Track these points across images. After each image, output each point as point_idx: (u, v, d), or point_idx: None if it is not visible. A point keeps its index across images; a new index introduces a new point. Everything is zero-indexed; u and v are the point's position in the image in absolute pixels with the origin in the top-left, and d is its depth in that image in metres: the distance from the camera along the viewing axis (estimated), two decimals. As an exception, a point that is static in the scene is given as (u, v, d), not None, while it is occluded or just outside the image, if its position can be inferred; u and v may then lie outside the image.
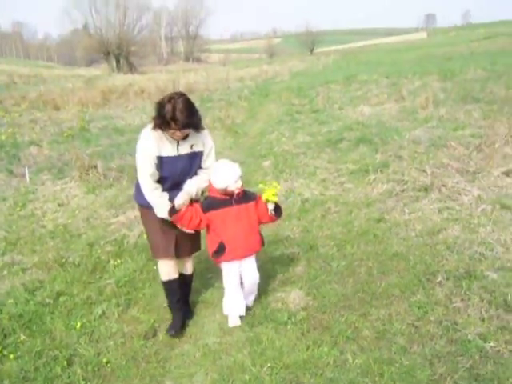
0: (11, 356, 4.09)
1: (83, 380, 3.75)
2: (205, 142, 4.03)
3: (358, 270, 4.96)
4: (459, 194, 6.17)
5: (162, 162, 3.86)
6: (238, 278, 4.18)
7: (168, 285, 4.31)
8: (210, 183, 4.04)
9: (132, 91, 26.57)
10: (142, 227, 6.05)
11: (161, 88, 25.63)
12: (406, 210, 6.09)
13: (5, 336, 4.43)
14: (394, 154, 8.12)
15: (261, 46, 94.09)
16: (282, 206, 4.25)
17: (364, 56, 40.80)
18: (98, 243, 6.24)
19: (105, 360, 3.95)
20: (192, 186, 3.98)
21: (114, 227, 6.61)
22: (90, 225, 6.90)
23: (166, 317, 4.44)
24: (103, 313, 4.65)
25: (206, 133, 4.05)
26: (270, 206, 4.06)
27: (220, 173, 3.96)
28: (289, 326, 4.08)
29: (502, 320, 3.88)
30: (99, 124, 15.50)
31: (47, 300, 4.99)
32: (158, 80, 33.47)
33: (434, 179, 6.55)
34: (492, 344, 3.61)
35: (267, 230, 5.33)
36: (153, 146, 3.80)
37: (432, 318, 4.01)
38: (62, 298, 5.04)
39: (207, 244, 4.19)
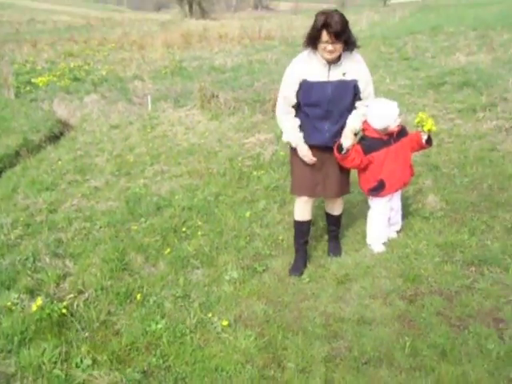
0: (198, 233, 5.13)
1: (265, 251, 4.75)
2: (360, 70, 3.88)
3: (480, 185, 5.77)
4: None
5: (310, 87, 3.79)
6: (389, 211, 4.49)
7: (299, 225, 4.38)
8: (365, 122, 4.08)
9: (211, 36, 27.31)
10: (275, 147, 7.07)
11: (239, 33, 26.36)
12: (518, 142, 6.81)
13: (184, 221, 5.47)
14: (500, 96, 8.77)
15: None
16: None
17: (444, 9, 40.00)
18: (236, 159, 7.23)
19: (280, 237, 4.95)
20: (356, 122, 3.96)
21: (248, 146, 7.60)
22: (224, 144, 7.91)
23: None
24: (264, 207, 5.63)
25: (360, 60, 3.91)
26: (425, 136, 4.14)
27: (380, 113, 3.99)
28: (431, 220, 4.99)
29: None
30: (192, 64, 16.45)
31: (208, 198, 6.04)
32: (231, 26, 34.02)
33: (543, 117, 7.22)
34: None
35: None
36: (300, 68, 3.83)
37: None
38: (221, 197, 6.06)
39: (360, 182, 4.44)
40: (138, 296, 4.12)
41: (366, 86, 3.93)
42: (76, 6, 64.21)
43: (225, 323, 3.72)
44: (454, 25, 21.12)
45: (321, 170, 4.10)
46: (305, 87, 3.83)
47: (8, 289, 4.41)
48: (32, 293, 4.30)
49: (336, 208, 4.50)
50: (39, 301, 3.95)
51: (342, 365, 3.30)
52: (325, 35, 3.59)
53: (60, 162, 7.73)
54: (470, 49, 15.08)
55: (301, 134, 3.99)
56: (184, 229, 5.24)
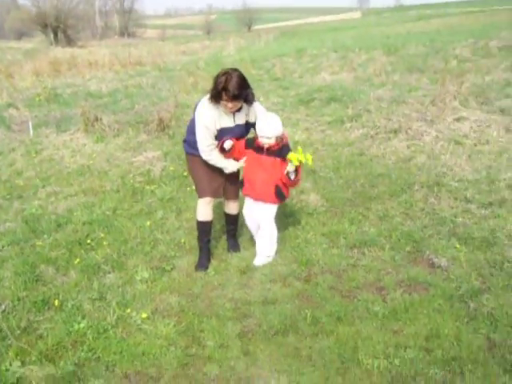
0: (104, 243, 5.45)
1: (170, 253, 5.18)
2: (256, 110, 4.57)
3: (354, 184, 6.60)
4: (422, 134, 7.95)
5: (221, 132, 4.43)
6: (250, 212, 4.83)
7: (202, 225, 4.81)
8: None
9: (80, 63, 27.04)
10: (163, 163, 7.53)
11: (110, 60, 26.40)
12: (381, 147, 7.81)
13: (87, 235, 5.76)
14: (363, 108, 9.84)
15: (196, 23, 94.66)
16: None
17: (304, 34, 42.52)
18: (128, 176, 7.58)
19: (182, 241, 5.40)
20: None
21: (137, 164, 7.96)
22: (113, 164, 8.21)
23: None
24: (162, 217, 6.06)
25: (257, 105, 4.57)
26: (289, 168, 4.38)
27: (259, 122, 4.43)
28: (315, 215, 5.69)
29: (464, 207, 5.64)
30: (66, 90, 16.40)
31: (107, 212, 6.35)
32: (100, 53, 33.88)
33: (401, 124, 8.29)
34: (460, 219, 5.34)
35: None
36: (212, 121, 4.36)
37: (416, 209, 5.73)
38: (118, 211, 6.39)
39: None
40: (56, 302, 4.38)
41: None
42: None
43: (144, 315, 4.10)
44: (316, 48, 22.71)
45: (221, 175, 4.69)
46: (219, 131, 4.46)
47: None
48: None
49: (234, 208, 5.05)
50: (-44, 315, 4.08)
51: (255, 338, 3.80)
52: (224, 96, 4.17)
53: None
54: (333, 69, 16.43)
55: (229, 160, 4.65)
56: (88, 241, 5.51)
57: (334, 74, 15.29)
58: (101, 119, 9.49)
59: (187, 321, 4.04)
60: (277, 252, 4.92)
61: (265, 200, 4.61)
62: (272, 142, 4.38)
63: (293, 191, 6.39)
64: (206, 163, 4.59)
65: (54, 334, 3.96)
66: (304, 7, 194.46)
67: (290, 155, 4.31)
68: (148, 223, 5.82)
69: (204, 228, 4.86)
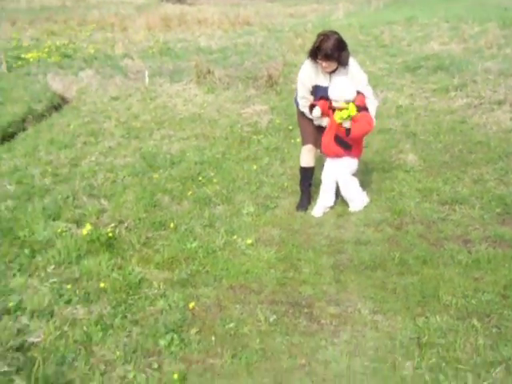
0: (213, 180, 6.03)
1: (273, 193, 5.67)
2: (354, 75, 4.80)
3: (452, 149, 6.80)
4: (529, 108, 7.93)
5: (316, 89, 4.84)
6: (328, 172, 5.17)
7: (304, 171, 5.30)
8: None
9: (190, 20, 27.89)
10: (270, 116, 8.00)
11: (219, 19, 27.09)
12: (484, 117, 7.89)
13: (198, 173, 6.35)
14: (470, 78, 9.85)
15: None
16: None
17: (416, 2, 41.28)
18: (236, 126, 8.13)
19: (285, 185, 5.89)
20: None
21: (245, 116, 8.50)
22: (222, 114, 8.79)
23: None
24: (268, 163, 6.56)
25: (355, 68, 4.82)
26: (345, 124, 4.68)
27: (330, 86, 4.77)
28: (411, 173, 6.00)
29: None
30: (177, 45, 17.18)
31: (216, 155, 6.93)
32: (209, 12, 34.59)
33: (507, 96, 8.31)
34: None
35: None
36: (307, 77, 4.84)
37: (511, 176, 5.86)
38: (227, 155, 6.95)
39: None
40: (171, 224, 5.00)
41: (358, 84, 4.81)
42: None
43: (249, 242, 4.64)
44: (427, 17, 22.24)
45: (319, 131, 5.15)
46: (314, 88, 4.89)
47: (54, 220, 5.22)
48: (77, 223, 5.13)
49: None
50: (88, 226, 4.80)
51: (346, 270, 4.25)
52: (318, 55, 4.57)
53: (71, 127, 8.49)
54: (443, 39, 16.17)
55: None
56: (200, 178, 6.11)
57: (443, 44, 15.08)
58: (212, 72, 10.07)
59: (286, 250, 4.53)
60: (372, 201, 5.29)
61: (335, 154, 4.94)
62: (338, 104, 4.68)
63: (392, 150, 6.72)
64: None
65: (169, 250, 4.58)
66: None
67: (335, 114, 4.62)
68: (254, 167, 6.33)
69: (306, 173, 5.33)
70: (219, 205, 5.41)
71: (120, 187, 5.90)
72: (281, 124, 7.95)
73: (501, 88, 9.00)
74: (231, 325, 3.54)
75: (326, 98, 4.81)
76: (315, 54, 4.60)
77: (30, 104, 10.12)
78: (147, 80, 10.93)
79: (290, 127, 7.80)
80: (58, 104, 11.09)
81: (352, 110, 4.54)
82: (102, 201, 5.56)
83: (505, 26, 17.56)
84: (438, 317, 3.53)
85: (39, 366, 3.16)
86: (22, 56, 15.47)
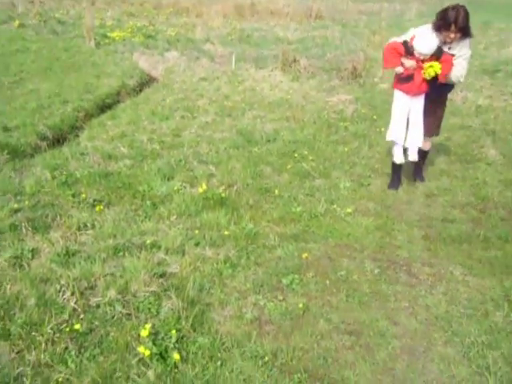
0: (309, 158, 6.66)
1: (366, 173, 6.27)
2: (462, 48, 5.20)
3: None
4: None
5: None
6: (405, 109, 5.48)
7: (396, 166, 5.82)
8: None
9: (262, 10, 28.57)
10: (355, 106, 8.59)
11: (293, 10, 27.66)
12: None
13: (293, 150, 6.99)
14: None
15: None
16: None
17: (490, 6, 40.85)
18: (322, 112, 8.75)
19: (376, 166, 6.47)
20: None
21: (331, 104, 9.11)
22: (308, 101, 9.43)
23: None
24: (357, 146, 7.16)
25: (467, 42, 5.20)
26: (426, 75, 5.20)
27: (417, 40, 5.12)
28: (492, 165, 6.57)
29: None
30: (255, 34, 17.87)
31: (308, 136, 7.57)
32: (279, 3, 35.13)
33: None
34: None
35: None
36: (420, 34, 5.15)
37: None
38: (317, 137, 7.57)
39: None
40: (276, 191, 5.67)
41: (457, 57, 5.23)
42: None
43: (348, 210, 5.27)
44: (503, 21, 22.30)
45: None
46: None
47: (169, 179, 5.96)
48: (190, 183, 5.85)
49: (427, 145, 5.86)
50: (203, 186, 5.51)
51: (436, 241, 4.83)
52: (452, 28, 4.97)
53: (167, 101, 9.27)
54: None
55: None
56: (295, 155, 6.77)
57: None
58: (298, 61, 10.70)
59: (381, 221, 5.15)
60: (457, 186, 5.81)
61: (421, 91, 5.37)
62: (427, 57, 5.15)
63: (473, 145, 7.25)
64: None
65: (276, 212, 5.25)
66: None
67: (426, 67, 5.11)
68: (345, 149, 6.96)
69: (396, 168, 5.87)
70: (317, 178, 6.05)
71: (225, 156, 6.61)
72: (366, 114, 8.53)
73: None
74: (342, 272, 4.18)
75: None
76: (446, 26, 5.00)
77: (123, 79, 10.97)
78: (234, 64, 11.63)
79: (375, 117, 8.38)
80: (146, 81, 11.94)
81: (436, 67, 5.07)
82: (210, 167, 6.27)
83: None
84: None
85: (183, 289, 3.85)
86: (108, 34, 16.43)
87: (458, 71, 5.27)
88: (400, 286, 4.07)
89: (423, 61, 5.19)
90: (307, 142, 7.24)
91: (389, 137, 5.68)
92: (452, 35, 5.03)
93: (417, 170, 6.14)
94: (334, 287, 4.01)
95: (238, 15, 25.56)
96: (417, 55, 5.20)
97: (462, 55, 5.23)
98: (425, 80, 5.26)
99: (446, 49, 5.20)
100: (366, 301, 3.86)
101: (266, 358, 3.23)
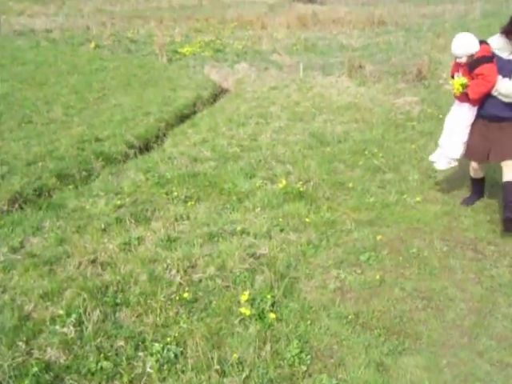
0: (379, 155, 7.19)
1: (431, 167, 6.75)
2: None
3: None
4: None
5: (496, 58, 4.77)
6: (453, 116, 5.38)
7: (472, 180, 5.68)
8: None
9: (324, 19, 29.14)
10: (421, 106, 9.07)
11: (356, 18, 28.14)
12: None
13: (363, 149, 7.53)
14: None
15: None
16: None
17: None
18: (390, 114, 9.25)
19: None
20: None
21: (398, 105, 9.60)
22: (376, 103, 9.94)
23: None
24: (424, 144, 7.61)
25: None
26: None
27: (453, 41, 4.93)
28: None
29: None
30: (319, 42, 18.47)
31: (377, 136, 8.07)
32: (340, 11, 35.62)
33: None
34: None
35: None
36: (494, 40, 4.81)
37: None
38: (386, 137, 8.06)
39: None
40: (350, 184, 6.24)
41: None
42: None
43: (417, 199, 5.78)
44: None
45: (488, 138, 5.13)
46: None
47: (251, 178, 6.62)
48: (271, 180, 6.49)
49: (508, 173, 5.03)
50: (283, 182, 6.15)
51: (501, 224, 5.26)
52: None
53: (242, 109, 9.99)
54: None
55: None
56: (366, 152, 7.31)
57: None
58: (363, 67, 11.25)
59: (449, 207, 5.64)
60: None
61: (460, 99, 5.10)
62: (463, 60, 4.85)
63: None
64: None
65: (351, 202, 5.84)
66: None
67: (454, 82, 5.00)
68: (413, 146, 7.46)
69: (474, 182, 5.74)
70: (387, 172, 6.58)
71: (300, 156, 7.23)
72: (432, 113, 8.97)
73: None
74: (413, 250, 4.72)
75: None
76: None
77: (197, 91, 11.79)
78: (301, 72, 12.28)
79: (441, 116, 8.79)
80: (218, 92, 12.75)
81: (463, 81, 4.87)
82: (288, 165, 6.90)
83: None
84: None
85: (273, 265, 4.48)
86: (178, 50, 17.42)
87: None
88: (467, 260, 4.57)
89: (463, 67, 4.98)
90: (376, 141, 7.75)
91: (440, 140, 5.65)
92: None
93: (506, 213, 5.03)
94: (406, 262, 4.55)
95: (300, 25, 26.27)
96: (457, 60, 5.02)
97: None
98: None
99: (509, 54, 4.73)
100: (436, 273, 4.38)
101: (350, 317, 3.80)
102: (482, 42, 4.84)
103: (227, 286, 4.27)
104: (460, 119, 5.21)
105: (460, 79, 4.92)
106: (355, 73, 11.41)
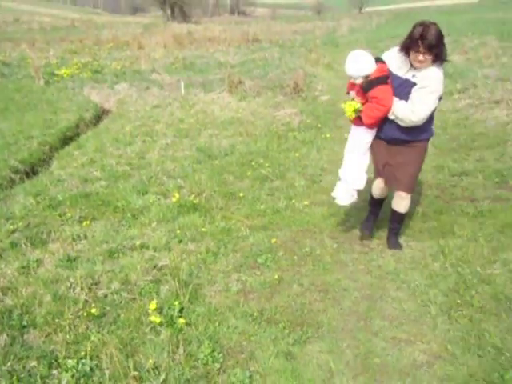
0: (265, 165, 7.55)
1: (317, 172, 7.20)
2: (426, 79, 4.20)
3: (458, 139, 8.38)
4: (523, 105, 9.55)
5: (391, 76, 4.35)
6: (351, 139, 4.86)
7: (371, 199, 5.23)
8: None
9: (200, 38, 29.65)
10: (300, 117, 9.61)
11: (230, 36, 28.86)
12: (484, 114, 9.49)
13: (250, 160, 7.87)
14: (471, 83, 11.52)
15: (307, 2, 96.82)
16: None
17: (417, 17, 43.21)
18: (272, 125, 9.68)
19: (325, 166, 7.41)
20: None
21: (278, 117, 10.07)
22: (257, 117, 10.36)
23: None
24: (306, 152, 8.09)
25: (434, 75, 4.22)
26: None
27: (347, 60, 4.39)
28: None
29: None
30: (197, 61, 18.84)
31: (261, 148, 8.46)
32: (215, 30, 36.42)
33: (503, 97, 9.93)
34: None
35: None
36: (389, 56, 4.46)
37: (507, 157, 7.40)
38: (270, 148, 8.47)
39: None
40: (241, 194, 6.51)
41: (418, 90, 4.27)
42: (57, 8, 65.98)
43: (305, 203, 6.16)
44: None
45: (388, 161, 4.74)
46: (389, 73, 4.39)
47: (143, 194, 6.73)
48: (164, 195, 6.64)
49: (399, 203, 4.98)
50: (176, 195, 6.32)
51: (380, 221, 5.73)
52: (419, 45, 4.05)
53: (127, 129, 10.02)
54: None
55: None
56: (253, 163, 7.63)
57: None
58: (243, 82, 11.66)
59: (335, 209, 6.02)
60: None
61: (355, 122, 4.62)
62: (358, 81, 4.38)
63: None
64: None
65: (243, 211, 6.09)
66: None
67: (345, 107, 4.47)
68: (296, 155, 7.89)
69: (371, 201, 5.32)
70: (275, 180, 6.93)
71: (190, 170, 7.42)
72: (311, 123, 9.51)
73: (498, 90, 10.63)
74: (306, 249, 5.06)
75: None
76: (413, 45, 4.13)
77: (79, 112, 11.67)
78: (183, 90, 12.50)
79: (319, 125, 9.37)
80: (100, 113, 12.68)
81: (355, 106, 4.41)
82: (179, 180, 7.07)
83: (503, 38, 19.27)
84: (453, 241, 5.05)
85: (176, 275, 4.64)
86: (55, 72, 17.08)
87: (414, 106, 4.28)
88: (356, 254, 4.98)
89: (354, 87, 4.56)
90: (261, 152, 8.11)
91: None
92: (420, 57, 4.11)
93: (390, 235, 5.20)
94: (301, 260, 4.88)
95: (177, 44, 26.57)
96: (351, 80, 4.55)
97: (424, 86, 4.23)
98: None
99: (409, 76, 4.30)
100: (329, 267, 4.73)
101: (255, 315, 4.03)
102: (378, 60, 4.39)
103: (133, 299, 4.35)
104: (358, 144, 4.70)
105: (352, 104, 4.39)
106: (235, 88, 11.79)
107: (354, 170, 4.77)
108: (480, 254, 4.79)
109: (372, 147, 4.72)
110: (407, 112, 4.27)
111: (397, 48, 4.38)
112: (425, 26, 4.09)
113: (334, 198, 5.05)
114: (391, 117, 4.39)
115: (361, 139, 4.67)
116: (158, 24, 46.22)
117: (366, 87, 4.34)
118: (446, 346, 3.65)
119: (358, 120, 4.52)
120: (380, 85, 4.29)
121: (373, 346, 3.71)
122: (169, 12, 50.18)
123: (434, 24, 4.11)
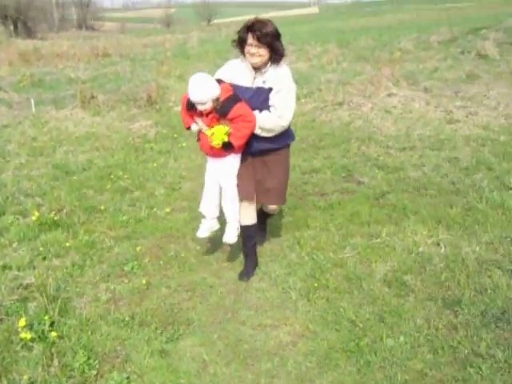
0: (124, 176, 7.67)
1: (175, 180, 7.44)
2: (278, 80, 4.06)
3: (306, 140, 8.99)
4: (360, 106, 10.43)
5: (237, 89, 4.07)
6: (212, 173, 4.52)
7: (246, 229, 4.63)
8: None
9: (47, 54, 28.73)
10: (156, 129, 9.85)
11: (79, 52, 28.25)
12: (329, 115, 10.26)
13: (109, 173, 7.95)
14: (316, 88, 12.35)
15: (155, 16, 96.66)
16: None
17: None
18: (128, 138, 9.78)
19: (183, 173, 7.67)
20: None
21: (134, 130, 10.18)
22: (113, 130, 10.39)
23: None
24: (164, 161, 8.30)
25: (284, 73, 4.14)
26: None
27: (189, 85, 4.01)
28: None
29: (385, 151, 8.08)
30: (47, 77, 18.35)
31: (119, 161, 8.54)
32: (63, 45, 35.44)
33: (345, 99, 10.78)
34: (381, 158, 7.77)
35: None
36: (226, 71, 4.21)
37: (351, 153, 8.12)
38: (128, 160, 8.58)
39: None
40: (102, 207, 6.59)
41: (276, 94, 4.09)
42: None
43: (167, 210, 6.37)
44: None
45: (249, 175, 4.46)
46: (235, 87, 4.11)
47: (1, 215, 6.59)
48: (23, 214, 6.54)
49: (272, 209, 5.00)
50: (36, 213, 6.28)
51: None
52: (249, 37, 3.90)
53: (-24, 152, 9.63)
54: (290, 58, 18.89)
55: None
56: (112, 176, 7.70)
57: (291, 63, 17.70)
58: (96, 97, 11.62)
59: (196, 213, 6.26)
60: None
61: (217, 154, 4.25)
62: (208, 106, 4.02)
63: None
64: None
65: (105, 223, 6.18)
66: (263, 2, 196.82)
67: (214, 133, 4.03)
68: (155, 165, 8.07)
69: (248, 232, 4.77)
70: (135, 191, 7.06)
71: (48, 188, 7.33)
72: (167, 133, 9.73)
73: (340, 93, 11.51)
74: (171, 253, 5.28)
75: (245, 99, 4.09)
76: (243, 39, 4.03)
77: None
78: (34, 108, 12.18)
79: (175, 135, 9.62)
80: None
81: (225, 129, 4.01)
82: (37, 198, 6.97)
83: (342, 45, 20.74)
84: (307, 232, 5.51)
85: (43, 291, 4.67)
86: None
87: (279, 111, 4.12)
88: (219, 253, 5.28)
89: (207, 115, 4.12)
90: (120, 165, 8.20)
91: (200, 207, 4.82)
92: (252, 49, 3.93)
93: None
94: (167, 264, 5.09)
95: (23, 61, 25.60)
96: (198, 107, 4.10)
97: (281, 89, 4.11)
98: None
99: (259, 84, 4.12)
100: (195, 268, 4.99)
101: (126, 320, 4.18)
102: (218, 81, 4.06)
103: (0, 319, 4.32)
104: (228, 175, 4.39)
105: (222, 128, 3.97)
106: (88, 104, 11.71)
107: (235, 206, 4.54)
108: (332, 241, 5.28)
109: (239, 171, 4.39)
110: (274, 120, 4.10)
111: (231, 60, 4.31)
112: (256, 19, 3.97)
113: (225, 243, 4.84)
114: (257, 131, 4.11)
115: (231, 168, 4.36)
116: (1, 40, 44.00)
117: (223, 110, 3.99)
118: (308, 325, 4.03)
119: (222, 149, 4.10)
120: (236, 103, 3.99)
121: (241, 334, 4.00)
122: (11, 27, 47.90)
123: (269, 20, 4.00)
